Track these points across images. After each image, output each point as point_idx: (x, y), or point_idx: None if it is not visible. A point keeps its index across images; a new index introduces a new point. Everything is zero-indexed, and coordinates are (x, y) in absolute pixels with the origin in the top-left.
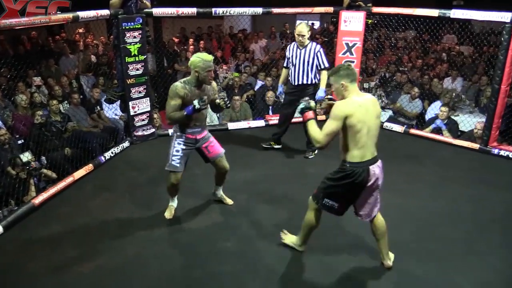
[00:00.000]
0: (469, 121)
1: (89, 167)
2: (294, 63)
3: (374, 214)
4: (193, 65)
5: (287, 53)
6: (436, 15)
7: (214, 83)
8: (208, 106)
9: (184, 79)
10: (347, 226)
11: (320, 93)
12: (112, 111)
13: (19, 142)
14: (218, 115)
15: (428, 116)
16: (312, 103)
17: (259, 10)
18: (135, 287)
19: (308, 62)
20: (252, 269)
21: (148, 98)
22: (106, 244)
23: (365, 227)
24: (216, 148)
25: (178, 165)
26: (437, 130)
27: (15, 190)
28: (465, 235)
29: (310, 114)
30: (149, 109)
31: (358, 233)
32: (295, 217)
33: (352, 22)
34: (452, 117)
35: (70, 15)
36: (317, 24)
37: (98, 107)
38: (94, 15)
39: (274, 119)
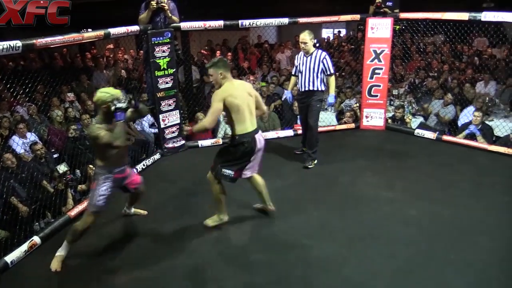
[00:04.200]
0: (504, 126)
1: None
2: (301, 70)
3: (256, 171)
4: (100, 101)
5: (295, 61)
6: (466, 18)
7: None
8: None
9: (95, 119)
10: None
11: (330, 99)
12: (146, 122)
13: (55, 156)
14: None
15: (461, 122)
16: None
17: (285, 21)
18: None
19: (314, 69)
20: (285, 280)
21: (177, 111)
22: (140, 256)
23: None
24: (136, 179)
25: (104, 204)
26: (471, 136)
27: (51, 202)
28: (504, 245)
29: (190, 129)
30: (179, 121)
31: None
32: (326, 225)
33: (379, 29)
34: (486, 122)
35: (102, 32)
36: (343, 32)
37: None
38: (124, 32)
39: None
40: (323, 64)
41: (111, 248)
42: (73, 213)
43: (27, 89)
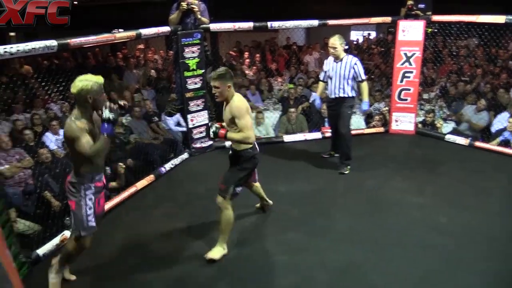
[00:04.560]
0: None
1: (151, 177)
2: (331, 76)
3: (256, 178)
4: (84, 91)
5: (324, 67)
6: (503, 21)
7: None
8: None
9: (73, 115)
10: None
11: (364, 106)
12: (171, 121)
13: None
14: (273, 127)
15: (494, 128)
16: (216, 125)
17: (315, 23)
18: None
19: (344, 75)
20: (309, 283)
21: (206, 111)
22: (167, 253)
23: None
24: (103, 200)
25: (94, 224)
26: (505, 143)
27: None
28: None
29: (222, 132)
30: (207, 121)
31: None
32: (352, 229)
33: (411, 32)
34: None
35: (133, 33)
36: (373, 34)
37: (156, 118)
38: (155, 32)
39: (329, 131)
40: (354, 70)
41: (139, 244)
42: None
43: (61, 87)
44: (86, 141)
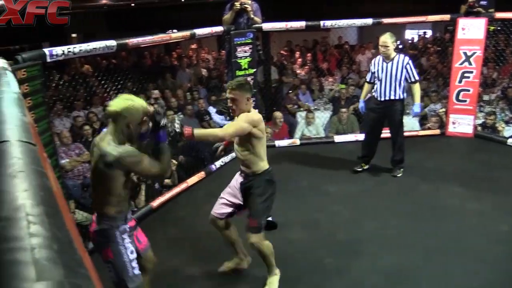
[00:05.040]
0: None
1: (201, 174)
2: (380, 78)
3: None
4: (129, 111)
5: (371, 67)
6: None
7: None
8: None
9: (109, 140)
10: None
11: (416, 108)
12: (217, 116)
13: None
14: (324, 127)
15: None
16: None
17: (369, 21)
18: None
19: (396, 76)
20: (360, 287)
21: (256, 111)
22: (216, 250)
23: None
24: (143, 235)
25: (139, 272)
26: None
27: (134, 192)
28: None
29: (188, 130)
30: None
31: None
32: (403, 234)
33: (471, 30)
34: None
35: (188, 33)
36: (429, 33)
37: (207, 116)
38: (209, 32)
39: (363, 136)
40: (407, 70)
41: (189, 239)
42: (155, 204)
43: (118, 86)
44: (148, 161)
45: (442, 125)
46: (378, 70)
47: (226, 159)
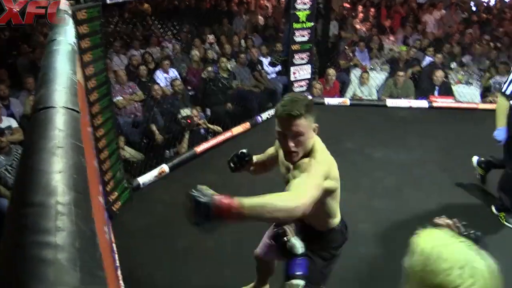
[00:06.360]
0: None
1: (247, 125)
2: None
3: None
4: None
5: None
6: None
7: None
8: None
9: None
10: None
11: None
12: (269, 68)
13: (190, 93)
14: (377, 88)
15: None
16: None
17: None
18: None
19: None
20: (389, 254)
21: (309, 66)
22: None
23: None
24: None
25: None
26: None
27: (179, 136)
28: None
29: (224, 201)
30: (309, 76)
31: None
32: (448, 209)
33: None
34: None
35: None
36: None
37: (259, 66)
38: None
39: (439, 101)
40: None
41: (228, 189)
42: (199, 149)
43: (177, 27)
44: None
45: None
46: None
47: (273, 112)
